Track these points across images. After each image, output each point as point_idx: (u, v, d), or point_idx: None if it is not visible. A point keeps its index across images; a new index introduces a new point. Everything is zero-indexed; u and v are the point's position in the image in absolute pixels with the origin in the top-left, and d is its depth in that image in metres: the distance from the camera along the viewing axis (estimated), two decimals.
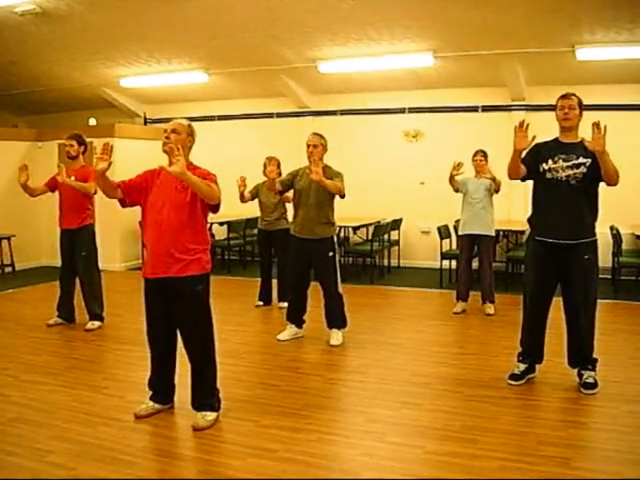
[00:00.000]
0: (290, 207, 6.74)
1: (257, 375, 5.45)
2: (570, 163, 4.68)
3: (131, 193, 4.35)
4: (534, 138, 4.69)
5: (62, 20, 8.41)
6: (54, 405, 4.67)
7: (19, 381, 5.23)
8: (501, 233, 9.81)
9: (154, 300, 4.33)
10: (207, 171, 4.27)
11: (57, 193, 6.99)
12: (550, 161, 4.75)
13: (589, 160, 4.64)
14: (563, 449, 3.85)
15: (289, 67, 10.35)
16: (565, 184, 4.70)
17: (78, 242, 6.91)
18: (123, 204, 4.42)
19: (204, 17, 8.36)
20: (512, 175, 4.87)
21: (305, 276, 6.45)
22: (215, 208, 4.27)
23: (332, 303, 6.34)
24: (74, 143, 6.82)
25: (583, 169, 4.65)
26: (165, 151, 4.18)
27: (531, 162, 4.87)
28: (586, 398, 4.72)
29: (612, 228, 8.89)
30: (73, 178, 6.67)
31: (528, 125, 4.63)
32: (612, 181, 4.63)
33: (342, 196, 6.14)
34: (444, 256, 9.39)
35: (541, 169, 4.79)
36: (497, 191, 7.41)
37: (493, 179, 7.18)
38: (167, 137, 4.21)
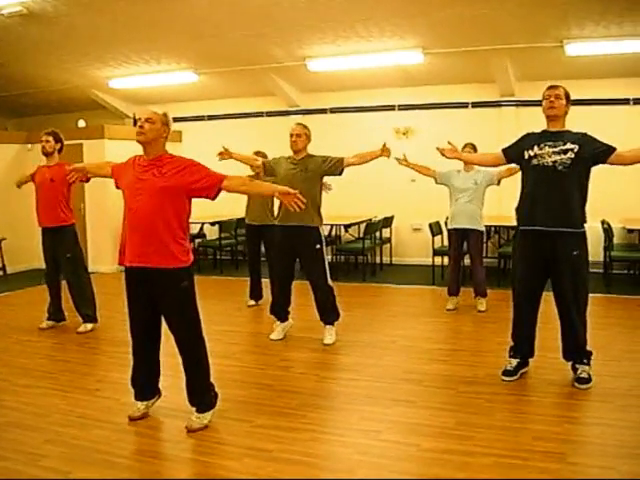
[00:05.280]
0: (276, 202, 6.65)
1: (251, 375, 5.43)
2: (557, 149, 4.68)
3: (116, 178, 4.37)
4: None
5: (49, 22, 8.36)
6: (48, 409, 4.64)
7: (12, 385, 5.21)
8: (492, 229, 9.83)
9: (135, 290, 4.28)
10: (190, 160, 4.19)
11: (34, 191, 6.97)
12: (536, 147, 4.77)
13: (577, 146, 4.65)
14: (558, 444, 3.86)
15: (278, 66, 10.34)
16: (552, 169, 4.69)
17: (60, 243, 6.86)
18: (115, 186, 4.42)
19: (192, 17, 8.33)
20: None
21: (290, 268, 6.43)
22: (216, 195, 4.18)
23: (323, 297, 6.31)
24: (50, 139, 6.77)
25: (571, 154, 4.64)
26: (139, 140, 4.12)
27: (515, 150, 4.99)
28: (580, 393, 4.72)
29: (603, 222, 8.90)
30: (47, 175, 6.69)
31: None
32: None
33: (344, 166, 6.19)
34: (436, 253, 9.40)
35: (526, 155, 4.82)
36: (498, 182, 7.43)
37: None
38: (141, 126, 4.07)
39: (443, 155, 5.57)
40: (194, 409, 4.30)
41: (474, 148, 7.41)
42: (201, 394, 4.33)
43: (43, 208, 6.85)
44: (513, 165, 5.54)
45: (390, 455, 3.81)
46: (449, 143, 5.59)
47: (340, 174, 6.23)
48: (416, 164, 7.38)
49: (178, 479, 3.65)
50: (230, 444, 4.05)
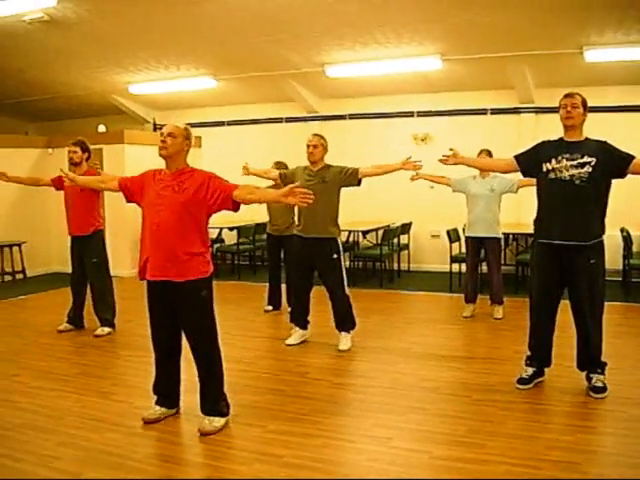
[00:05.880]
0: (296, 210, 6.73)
1: (265, 380, 5.44)
2: (575, 162, 4.62)
3: (130, 192, 4.44)
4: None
5: (70, 28, 8.44)
6: (62, 411, 4.68)
7: (28, 387, 5.25)
8: (511, 236, 9.79)
9: (156, 303, 4.35)
10: (208, 174, 4.24)
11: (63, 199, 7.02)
12: (554, 161, 4.70)
13: (594, 159, 4.58)
14: (571, 454, 3.82)
15: (297, 72, 10.37)
16: (570, 184, 4.63)
17: (89, 249, 6.93)
18: (127, 199, 4.51)
19: (212, 23, 8.38)
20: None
21: (308, 277, 6.46)
22: (236, 206, 4.21)
23: (339, 305, 6.34)
24: (77, 149, 6.84)
25: (588, 168, 4.58)
26: (162, 155, 4.21)
27: (530, 160, 4.92)
28: (595, 402, 4.68)
29: (622, 230, 8.84)
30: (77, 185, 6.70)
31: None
32: None
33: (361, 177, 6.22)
34: (454, 259, 9.36)
35: (544, 169, 4.76)
36: (516, 190, 7.35)
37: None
38: (163, 141, 4.17)
39: (444, 164, 5.52)
40: (205, 415, 4.34)
41: (489, 154, 7.35)
42: (213, 403, 4.35)
43: (73, 217, 6.92)
44: None
45: (401, 462, 3.80)
46: (450, 149, 5.51)
47: (358, 184, 6.26)
48: (430, 175, 7.35)
49: (186, 479, 3.68)
50: (242, 449, 4.05)
